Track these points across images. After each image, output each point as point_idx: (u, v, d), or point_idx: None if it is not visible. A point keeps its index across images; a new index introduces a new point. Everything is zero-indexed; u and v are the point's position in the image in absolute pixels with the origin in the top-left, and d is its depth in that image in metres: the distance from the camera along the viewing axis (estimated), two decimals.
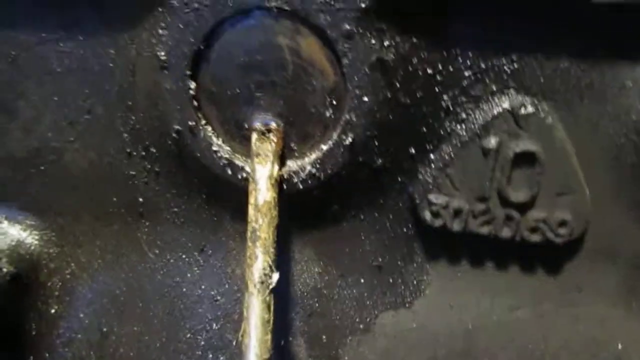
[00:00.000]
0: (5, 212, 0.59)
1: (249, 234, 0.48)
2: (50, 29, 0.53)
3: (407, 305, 0.55)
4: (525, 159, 0.48)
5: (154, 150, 0.55)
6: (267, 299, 0.46)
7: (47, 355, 0.59)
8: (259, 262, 0.46)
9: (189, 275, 0.58)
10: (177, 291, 0.58)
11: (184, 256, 0.58)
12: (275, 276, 0.47)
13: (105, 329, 0.59)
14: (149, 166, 0.56)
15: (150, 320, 0.59)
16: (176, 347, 0.58)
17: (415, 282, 0.55)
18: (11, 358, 0.58)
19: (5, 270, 0.56)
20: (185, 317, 0.58)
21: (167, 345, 0.58)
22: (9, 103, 0.56)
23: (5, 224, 0.59)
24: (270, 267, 0.47)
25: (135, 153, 0.56)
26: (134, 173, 0.57)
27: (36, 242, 0.59)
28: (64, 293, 0.60)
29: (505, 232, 0.51)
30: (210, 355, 0.57)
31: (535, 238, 0.50)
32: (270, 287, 0.46)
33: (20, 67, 0.55)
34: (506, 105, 0.48)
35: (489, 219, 0.51)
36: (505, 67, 0.47)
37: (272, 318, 0.46)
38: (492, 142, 0.48)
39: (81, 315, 0.59)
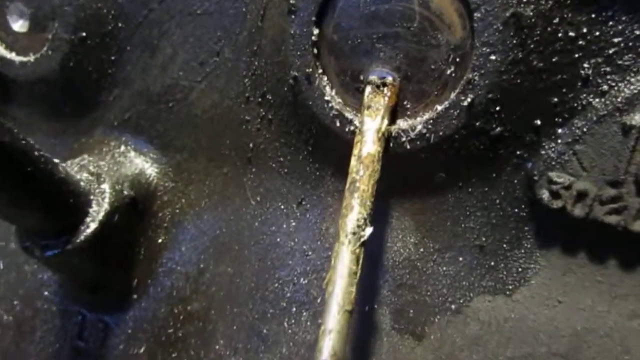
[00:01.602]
0: (134, 142, 0.65)
1: (348, 184, 0.47)
2: None
3: (507, 292, 0.51)
4: None
5: (270, 97, 0.56)
6: (357, 251, 0.44)
7: (149, 281, 0.63)
8: (354, 213, 0.45)
9: (284, 226, 0.59)
10: (272, 240, 0.59)
11: (282, 207, 0.59)
12: (369, 230, 0.45)
13: (202, 265, 0.62)
14: (263, 113, 0.58)
15: (243, 264, 0.60)
16: (263, 295, 0.59)
17: (520, 269, 0.50)
18: (118, 276, 0.63)
19: (126, 193, 0.61)
20: (275, 266, 0.59)
21: (256, 291, 0.59)
22: (153, 41, 0.61)
23: (132, 153, 0.64)
24: (365, 220, 0.45)
25: (252, 99, 0.58)
26: (249, 118, 0.59)
27: (155, 174, 0.64)
28: (171, 225, 0.64)
29: (638, 226, 0.44)
30: (294, 309, 0.57)
31: None
32: (362, 239, 0.45)
33: (167, 7, 0.60)
34: None
35: (619, 208, 0.44)
36: None
37: (359, 271, 0.44)
38: (636, 118, 0.43)
39: (183, 249, 0.63)
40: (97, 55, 0.63)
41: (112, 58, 0.63)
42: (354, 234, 0.45)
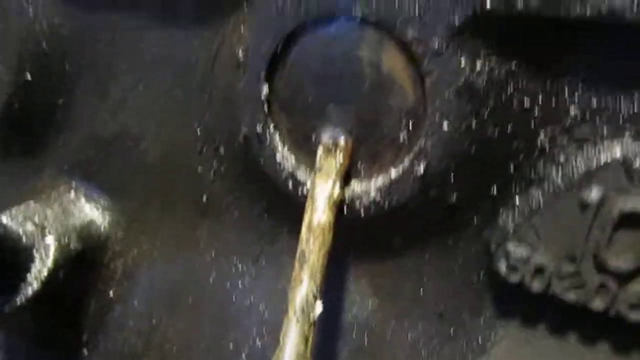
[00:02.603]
0: (84, 188, 0.62)
1: (297, 255, 0.44)
2: (146, 17, 0.54)
3: None
4: (634, 221, 0.40)
5: (222, 151, 0.54)
6: (306, 329, 0.42)
7: (99, 336, 0.61)
8: (304, 288, 0.43)
9: (240, 283, 0.57)
10: (227, 297, 0.57)
11: (238, 263, 0.57)
12: (319, 306, 0.43)
13: (155, 320, 0.59)
14: (217, 165, 0.55)
15: (198, 320, 0.58)
16: (219, 355, 0.57)
17: (480, 339, 0.48)
18: (67, 334, 0.60)
19: (73, 247, 0.58)
20: (231, 325, 0.56)
21: (211, 351, 0.57)
22: (102, 84, 0.58)
23: (82, 200, 0.61)
24: (315, 295, 0.43)
25: (205, 150, 0.55)
26: (202, 170, 0.56)
27: (106, 222, 0.61)
28: (123, 277, 0.61)
29: (597, 303, 0.42)
30: None
31: (636, 316, 0.41)
32: (312, 316, 0.42)
33: (117, 51, 0.57)
34: (617, 153, 0.40)
35: (578, 284, 0.43)
36: (623, 109, 0.39)
37: (309, 352, 0.42)
38: (593, 194, 0.41)
39: (135, 303, 0.60)
40: (44, 97, 0.60)
41: (60, 101, 0.60)
42: (303, 311, 0.42)
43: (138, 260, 0.61)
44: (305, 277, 0.43)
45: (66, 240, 0.58)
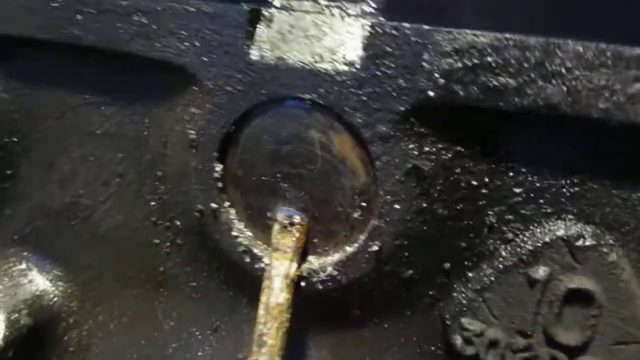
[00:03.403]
0: (35, 259, 0.60)
1: (255, 336, 0.44)
2: (95, 93, 0.53)
3: None
4: (580, 297, 0.41)
5: (178, 224, 0.53)
6: None
7: None
8: None
9: (200, 353, 0.56)
10: None
11: (197, 333, 0.56)
12: None
13: None
14: (172, 238, 0.54)
15: None
16: None
17: None
18: None
19: (23, 322, 0.56)
20: None
21: None
22: (50, 157, 0.57)
23: (34, 271, 0.59)
24: None
25: (160, 223, 0.54)
26: (157, 242, 0.55)
27: (59, 294, 0.59)
28: (78, 350, 0.59)
29: None
30: None
31: None
32: None
33: (66, 125, 0.56)
34: (561, 232, 0.41)
35: (530, 357, 0.44)
36: (564, 189, 0.41)
37: None
38: (540, 272, 0.42)
39: None
40: None
41: (8, 172, 0.58)
42: None
43: (94, 331, 0.59)
44: (265, 357, 0.43)
45: (16, 316, 0.56)
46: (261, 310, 0.45)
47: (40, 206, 0.59)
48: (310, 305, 0.49)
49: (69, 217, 0.58)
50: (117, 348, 0.58)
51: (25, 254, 0.60)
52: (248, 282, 0.50)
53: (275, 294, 0.45)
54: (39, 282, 0.59)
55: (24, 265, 0.60)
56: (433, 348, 0.48)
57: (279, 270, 0.46)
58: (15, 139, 0.58)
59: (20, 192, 0.59)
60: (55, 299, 0.59)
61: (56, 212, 0.58)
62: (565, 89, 0.36)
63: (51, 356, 0.59)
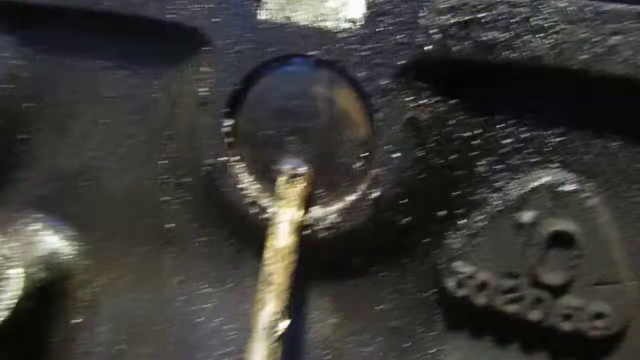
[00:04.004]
0: (49, 222, 0.63)
1: (262, 277, 0.47)
2: (107, 58, 0.56)
3: None
4: (562, 240, 0.45)
5: (187, 181, 0.56)
6: (272, 347, 0.45)
7: (68, 353, 0.61)
8: (269, 308, 0.46)
9: (205, 307, 0.59)
10: (193, 320, 0.58)
11: (203, 288, 0.59)
12: (284, 324, 0.46)
13: (121, 346, 0.60)
14: (181, 195, 0.57)
15: (163, 345, 0.59)
16: None
17: (431, 352, 0.52)
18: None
19: (39, 276, 0.58)
20: (196, 347, 0.58)
21: None
22: (63, 122, 0.60)
23: (47, 231, 0.62)
24: (279, 314, 0.46)
25: (169, 181, 0.57)
26: (166, 199, 0.58)
27: (72, 252, 0.62)
28: (89, 305, 0.62)
29: (534, 315, 0.47)
30: None
31: (567, 327, 0.46)
32: (277, 334, 0.45)
33: (77, 91, 0.59)
34: (546, 179, 0.45)
35: (516, 298, 0.47)
36: (549, 140, 0.45)
37: None
38: (526, 216, 0.45)
39: (101, 330, 0.61)
40: (6, 134, 0.61)
41: (22, 137, 0.61)
42: (269, 329, 0.45)
43: (104, 288, 0.62)
44: (271, 297, 0.46)
45: (32, 269, 0.58)
46: (268, 253, 0.48)
47: (53, 169, 0.62)
48: (313, 255, 0.52)
49: (80, 180, 0.61)
50: (127, 303, 0.61)
51: (39, 215, 0.63)
52: (254, 234, 0.53)
53: (282, 237, 0.48)
54: (53, 241, 0.62)
55: (38, 226, 0.62)
56: (426, 294, 0.52)
57: (285, 216, 0.49)
58: (30, 105, 0.61)
59: (35, 156, 0.62)
60: (68, 257, 0.62)
61: (68, 175, 0.61)
62: (549, 42, 0.40)
63: (62, 311, 0.62)
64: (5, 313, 0.55)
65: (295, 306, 0.55)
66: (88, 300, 0.62)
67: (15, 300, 0.56)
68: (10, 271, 0.57)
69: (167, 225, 0.59)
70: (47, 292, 0.60)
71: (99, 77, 0.57)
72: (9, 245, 0.60)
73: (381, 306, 0.53)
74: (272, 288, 0.47)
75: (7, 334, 0.56)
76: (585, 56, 0.40)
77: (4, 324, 0.55)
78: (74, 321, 0.62)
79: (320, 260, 0.53)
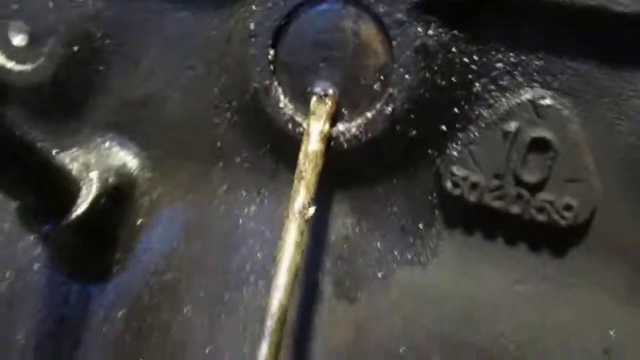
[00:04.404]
0: (118, 140, 0.76)
1: (296, 174, 0.59)
2: (171, 1, 0.68)
3: (422, 264, 0.63)
4: (540, 145, 0.55)
5: (235, 104, 0.68)
6: (302, 226, 0.56)
7: (128, 256, 0.74)
8: (300, 197, 0.57)
9: (245, 211, 0.70)
10: (235, 222, 0.70)
11: (244, 195, 0.71)
12: (312, 210, 0.57)
13: (174, 244, 0.73)
14: (229, 117, 0.69)
15: (210, 243, 0.72)
16: (226, 269, 0.70)
17: (432, 246, 0.63)
18: (102, 252, 0.73)
19: (111, 181, 0.71)
20: (238, 245, 0.70)
21: (220, 265, 0.70)
22: (135, 56, 0.72)
23: (116, 148, 0.75)
24: (309, 202, 0.57)
25: (220, 105, 0.69)
26: (217, 122, 0.70)
27: (136, 166, 0.75)
28: (149, 210, 0.74)
29: (515, 209, 0.57)
30: (252, 280, 0.69)
31: (542, 218, 0.56)
32: (306, 217, 0.57)
33: (147, 29, 0.71)
34: (528, 96, 0.55)
35: (501, 195, 0.58)
36: (532, 64, 0.55)
37: (303, 242, 0.56)
38: (512, 126, 0.56)
39: (159, 230, 0.74)
40: (86, 67, 0.74)
41: (99, 69, 0.74)
42: (300, 213, 0.57)
43: (161, 196, 0.75)
44: (302, 189, 0.58)
45: (105, 175, 0.71)
46: (301, 156, 0.59)
47: (125, 98, 0.75)
48: (337, 166, 0.63)
49: (147, 106, 0.73)
50: (180, 210, 0.74)
51: (111, 135, 0.76)
52: (288, 148, 0.65)
53: (312, 144, 0.59)
54: (122, 156, 0.75)
55: (111, 143, 0.75)
56: (430, 198, 0.63)
57: (316, 128, 0.60)
58: (107, 41, 0.73)
59: (109, 86, 0.75)
60: (133, 170, 0.75)
61: (137, 103, 0.74)
62: None
63: (128, 213, 0.75)
64: (86, 206, 0.68)
65: (320, 209, 0.67)
66: (149, 206, 0.75)
67: (94, 197, 0.69)
68: (91, 174, 0.70)
69: (217, 144, 0.71)
70: (117, 195, 0.73)
71: (165, 18, 0.70)
72: (88, 156, 0.73)
73: (391, 208, 0.64)
74: (303, 182, 0.58)
75: (85, 225, 0.69)
76: None
77: (85, 215, 0.68)
78: (137, 222, 0.75)
79: (342, 169, 0.65)
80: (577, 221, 0.55)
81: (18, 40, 0.74)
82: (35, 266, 0.77)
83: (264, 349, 0.51)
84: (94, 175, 0.70)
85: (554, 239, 0.58)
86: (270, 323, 0.52)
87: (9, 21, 0.74)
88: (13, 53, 0.75)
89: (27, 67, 0.74)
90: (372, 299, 0.64)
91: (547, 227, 0.56)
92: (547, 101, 0.55)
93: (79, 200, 0.67)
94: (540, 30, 0.54)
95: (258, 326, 0.57)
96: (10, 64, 0.74)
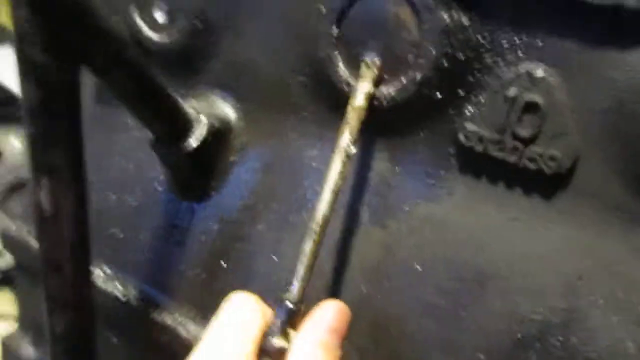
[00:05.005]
0: (220, 95, 0.99)
1: (343, 122, 0.78)
2: None
3: (439, 201, 0.80)
4: (532, 107, 0.69)
5: (307, 70, 0.89)
6: (345, 159, 0.75)
7: (223, 185, 0.97)
8: (345, 138, 0.76)
9: (309, 153, 0.90)
10: (302, 161, 0.88)
11: (309, 141, 0.89)
12: (353, 149, 0.76)
13: (258, 175, 0.93)
14: (301, 79, 0.90)
15: (284, 175, 0.90)
16: (294, 196, 0.89)
17: (448, 187, 0.79)
18: (205, 177, 0.99)
19: (215, 125, 0.95)
20: (303, 177, 0.89)
21: (290, 192, 0.91)
22: (240, 28, 0.95)
23: (219, 101, 0.99)
24: (352, 142, 0.76)
25: (296, 70, 0.90)
26: (292, 83, 0.91)
27: (233, 115, 0.97)
28: (240, 150, 0.97)
29: (512, 158, 0.72)
30: (309, 205, 0.89)
31: (532, 166, 0.71)
32: (348, 153, 0.76)
33: (248, 8, 0.93)
34: (526, 68, 0.70)
35: (502, 147, 0.73)
36: (532, 42, 0.69)
37: (345, 171, 0.75)
38: (511, 92, 0.71)
39: (246, 165, 0.97)
40: (202, 39, 0.98)
41: (212, 39, 0.98)
42: (344, 149, 0.76)
43: (249, 140, 0.97)
44: (347, 132, 0.77)
45: (211, 119, 0.96)
46: (349, 108, 0.78)
47: (229, 63, 0.98)
48: (377, 119, 0.81)
49: (246, 69, 0.96)
50: (263, 151, 0.95)
51: (216, 91, 1.01)
52: (344, 105, 0.84)
53: (359, 100, 0.78)
54: (223, 106, 0.98)
55: (217, 97, 1.00)
56: (448, 149, 0.78)
57: (362, 89, 0.79)
58: (219, 17, 0.98)
59: (218, 54, 0.99)
60: (230, 118, 0.98)
61: (239, 66, 0.96)
62: None
63: (225, 151, 0.98)
64: (197, 141, 0.93)
65: (363, 154, 0.86)
66: (240, 146, 0.99)
67: (203, 135, 0.94)
68: (201, 117, 0.95)
69: (291, 100, 0.93)
70: (218, 136, 0.96)
71: (263, 1, 0.92)
72: (201, 104, 0.98)
73: (419, 157, 0.82)
74: (348, 128, 0.77)
75: (195, 155, 0.94)
76: None
77: (195, 148, 0.93)
78: (231, 158, 0.99)
79: (382, 123, 0.83)
80: (560, 170, 0.69)
81: (160, 16, 1.01)
82: (158, 186, 1.05)
83: (308, 244, 0.72)
84: (203, 118, 0.95)
85: (542, 184, 0.71)
86: (315, 227, 0.72)
87: (155, 1, 1.01)
88: (156, 26, 1.02)
89: (164, 37, 1.01)
90: (399, 226, 0.82)
91: (537, 174, 0.70)
92: (540, 73, 0.69)
93: (193, 136, 0.92)
94: (537, 16, 0.68)
95: None
96: (154, 35, 1.02)
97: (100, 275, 1.09)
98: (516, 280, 0.72)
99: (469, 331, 0.74)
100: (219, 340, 0.55)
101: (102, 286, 1.07)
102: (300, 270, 0.68)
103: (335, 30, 0.81)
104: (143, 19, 1.03)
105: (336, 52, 0.82)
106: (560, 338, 0.68)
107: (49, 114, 0.57)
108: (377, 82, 0.80)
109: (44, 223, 0.72)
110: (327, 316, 0.56)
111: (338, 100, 0.85)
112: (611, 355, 0.65)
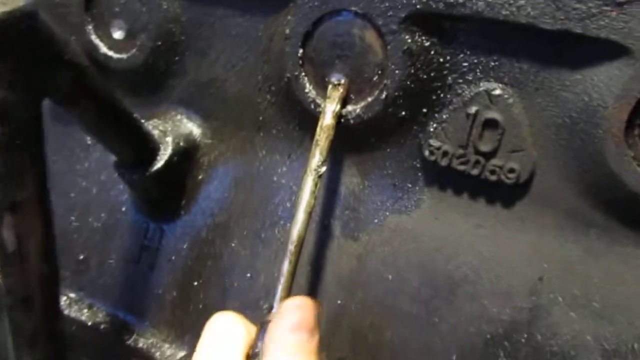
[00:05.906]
0: (186, 113, 0.98)
1: (314, 142, 0.80)
2: (232, 8, 0.91)
3: (408, 213, 0.84)
4: (492, 124, 0.74)
5: (274, 88, 0.90)
6: (316, 179, 0.78)
7: (191, 203, 0.98)
8: (315, 158, 0.78)
9: (279, 170, 0.90)
10: (270, 178, 0.91)
11: (278, 158, 0.91)
12: (324, 168, 0.79)
13: (226, 194, 0.94)
14: (269, 98, 0.91)
15: (252, 192, 0.92)
16: (264, 212, 0.91)
17: (415, 199, 0.83)
18: (173, 198, 0.98)
19: (181, 144, 0.95)
20: (272, 195, 0.90)
21: (260, 209, 0.93)
22: (203, 49, 0.95)
23: (185, 120, 0.98)
24: (322, 162, 0.78)
25: (262, 88, 0.91)
26: (259, 100, 0.92)
27: (199, 134, 0.98)
28: (207, 168, 0.97)
29: (474, 171, 0.77)
30: (282, 222, 0.91)
31: (493, 178, 0.76)
32: (319, 173, 0.78)
33: (214, 30, 0.93)
34: (485, 87, 0.75)
35: (465, 161, 0.77)
36: (489, 64, 0.74)
37: (317, 191, 0.77)
38: (472, 109, 0.75)
39: (215, 183, 0.97)
40: (167, 56, 0.97)
41: (176, 58, 0.98)
42: (315, 170, 0.78)
43: (217, 157, 0.98)
44: (317, 152, 0.79)
45: (177, 140, 0.96)
46: (318, 129, 0.80)
47: (194, 81, 0.98)
48: (345, 137, 0.84)
49: (210, 87, 0.97)
50: (231, 168, 0.96)
51: (181, 109, 1.00)
52: (312, 123, 0.86)
53: (327, 120, 0.81)
54: (189, 125, 0.98)
55: (182, 115, 0.99)
56: (414, 162, 0.82)
57: (330, 108, 0.81)
58: (183, 37, 0.97)
59: (183, 71, 0.98)
60: (197, 136, 0.98)
61: (203, 84, 0.97)
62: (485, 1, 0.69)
63: (192, 170, 0.99)
64: (163, 162, 0.93)
65: (333, 170, 0.89)
66: (208, 164, 0.99)
67: (168, 155, 0.94)
68: (167, 138, 0.95)
69: (259, 117, 0.94)
70: (185, 155, 0.96)
71: (228, 22, 0.92)
72: (165, 125, 0.98)
73: (387, 170, 0.85)
74: (318, 148, 0.79)
75: (162, 176, 0.94)
76: (507, 11, 0.69)
77: (162, 169, 0.93)
78: (199, 177, 0.99)
79: (350, 140, 0.86)
80: (519, 181, 0.74)
81: (118, 34, 1.00)
82: (123, 208, 1.04)
83: (285, 265, 0.73)
84: (169, 139, 0.94)
85: (503, 194, 0.77)
86: (291, 247, 0.74)
87: (112, 20, 0.99)
88: (114, 44, 1.00)
89: (123, 55, 0.99)
90: (370, 238, 0.85)
91: (498, 185, 0.76)
92: (498, 91, 0.74)
93: (158, 157, 0.92)
94: (493, 39, 0.73)
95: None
96: (111, 53, 1.00)
97: (64, 300, 1.06)
98: (483, 285, 0.77)
99: (443, 335, 0.78)
100: (211, 358, 0.57)
101: (66, 311, 1.05)
102: (280, 291, 0.70)
103: (300, 51, 0.83)
104: (99, 37, 1.02)
105: (303, 73, 0.84)
106: (526, 335, 0.74)
107: (12, 149, 0.56)
108: (344, 102, 0.82)
109: (8, 258, 0.70)
110: (287, 316, 0.58)
111: (306, 118, 0.87)
112: (572, 347, 0.72)
